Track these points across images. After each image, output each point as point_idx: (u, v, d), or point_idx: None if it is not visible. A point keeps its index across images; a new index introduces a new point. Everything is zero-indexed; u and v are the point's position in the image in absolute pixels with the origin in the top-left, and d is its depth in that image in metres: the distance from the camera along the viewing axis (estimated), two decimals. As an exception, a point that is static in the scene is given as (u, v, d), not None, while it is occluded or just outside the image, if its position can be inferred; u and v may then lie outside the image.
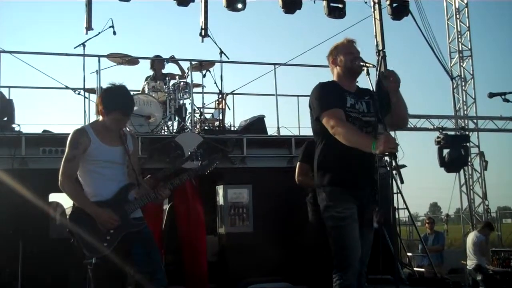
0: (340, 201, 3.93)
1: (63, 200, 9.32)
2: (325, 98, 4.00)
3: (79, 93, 9.43)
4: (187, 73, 9.65)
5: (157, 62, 9.91)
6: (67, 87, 9.61)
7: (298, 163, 6.62)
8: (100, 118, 4.17)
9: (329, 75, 4.29)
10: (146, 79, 9.89)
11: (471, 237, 10.30)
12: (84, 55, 9.26)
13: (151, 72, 10.05)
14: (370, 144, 3.63)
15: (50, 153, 8.03)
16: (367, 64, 3.98)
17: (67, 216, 4.01)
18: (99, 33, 10.12)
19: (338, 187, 3.96)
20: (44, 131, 8.55)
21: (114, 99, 4.08)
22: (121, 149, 4.10)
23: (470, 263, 9.97)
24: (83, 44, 9.48)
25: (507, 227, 18.05)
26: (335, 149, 3.91)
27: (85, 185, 4.04)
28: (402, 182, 3.42)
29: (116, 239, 3.92)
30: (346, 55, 4.12)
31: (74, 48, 9.48)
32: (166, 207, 8.69)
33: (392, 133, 4.03)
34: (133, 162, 4.17)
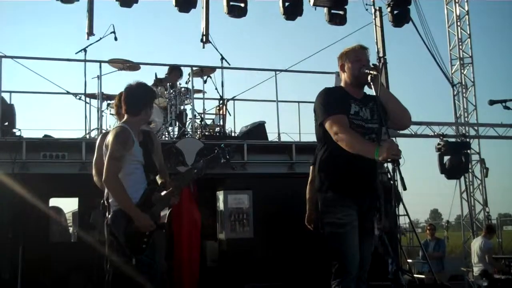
0: (340, 207, 3.91)
1: (63, 205, 9.36)
2: (329, 103, 3.98)
3: (80, 98, 9.46)
4: (188, 79, 9.65)
5: (173, 74, 9.82)
6: (68, 92, 9.63)
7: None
8: (125, 118, 4.17)
9: (330, 81, 4.30)
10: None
11: (477, 243, 10.26)
12: (85, 61, 9.28)
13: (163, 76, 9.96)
14: (373, 151, 3.62)
15: (50, 158, 8.05)
16: (371, 72, 3.97)
17: (95, 218, 4.03)
18: (101, 38, 10.14)
19: (338, 193, 3.94)
20: (45, 136, 8.56)
21: (145, 96, 4.15)
22: (141, 149, 4.12)
23: (476, 269, 9.93)
24: (85, 50, 9.50)
25: (508, 234, 18.01)
26: (338, 155, 3.89)
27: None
28: (404, 189, 3.42)
29: (150, 241, 3.98)
30: (354, 63, 4.08)
31: (76, 53, 9.52)
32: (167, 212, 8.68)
33: (394, 139, 3.99)
34: (157, 160, 4.22)
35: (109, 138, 4.06)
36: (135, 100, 4.15)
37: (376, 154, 3.60)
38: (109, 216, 3.98)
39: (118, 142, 3.93)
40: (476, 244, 10.37)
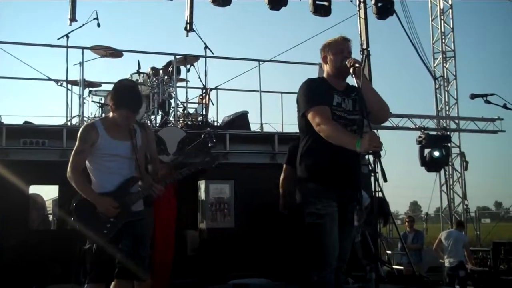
0: (321, 198, 3.91)
1: (43, 192, 9.29)
2: (312, 94, 3.99)
3: (61, 85, 9.39)
4: (171, 67, 9.60)
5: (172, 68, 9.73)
6: (49, 79, 9.53)
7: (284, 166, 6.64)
8: (111, 114, 4.30)
9: (313, 72, 4.30)
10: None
11: (454, 235, 10.35)
12: (67, 47, 9.20)
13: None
14: (355, 143, 3.64)
15: (31, 144, 7.96)
16: (354, 64, 3.96)
17: (73, 207, 4.11)
18: (83, 24, 10.07)
19: (320, 184, 3.94)
20: (25, 122, 8.46)
21: (123, 96, 4.22)
22: (129, 144, 4.25)
23: (452, 260, 10.03)
24: (67, 36, 9.41)
25: (485, 227, 18.22)
26: (320, 146, 3.90)
27: (92, 177, 4.20)
28: (385, 180, 3.45)
29: (116, 227, 4.11)
30: (337, 55, 4.08)
31: (58, 39, 9.44)
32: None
33: (375, 131, 4.01)
34: (140, 157, 4.32)
35: None
36: (117, 97, 4.24)
37: (357, 145, 3.62)
38: (74, 203, 4.17)
39: (79, 138, 4.16)
40: (450, 236, 10.47)
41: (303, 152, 4.08)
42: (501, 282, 7.59)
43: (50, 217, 10.03)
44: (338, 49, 4.11)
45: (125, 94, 4.27)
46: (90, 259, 4.13)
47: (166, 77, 9.47)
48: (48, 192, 9.61)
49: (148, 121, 9.30)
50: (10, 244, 7.37)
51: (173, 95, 9.41)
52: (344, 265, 4.09)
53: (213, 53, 10.50)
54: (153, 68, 9.73)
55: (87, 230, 4.10)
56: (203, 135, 4.65)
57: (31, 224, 8.22)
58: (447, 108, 14.18)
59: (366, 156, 8.67)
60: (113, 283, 4.12)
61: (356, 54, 11.56)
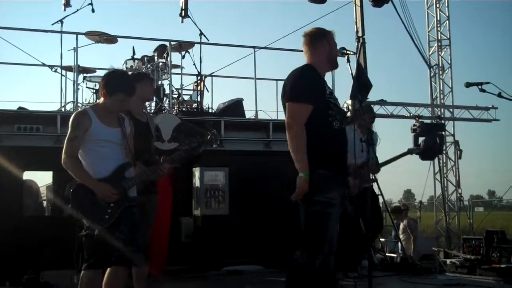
0: (334, 187, 3.86)
1: (37, 178, 9.28)
2: (306, 87, 3.94)
3: (55, 71, 9.35)
4: (166, 53, 9.57)
5: (160, 51, 9.69)
6: (44, 64, 9.50)
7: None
8: (101, 100, 4.34)
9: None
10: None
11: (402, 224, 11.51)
12: (61, 32, 9.16)
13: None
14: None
15: (25, 130, 7.95)
16: (348, 52, 3.98)
17: (70, 191, 4.12)
18: (78, 10, 10.03)
19: (329, 169, 3.87)
20: (20, 108, 8.43)
21: (118, 81, 4.29)
22: (119, 131, 4.29)
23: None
24: (61, 21, 9.38)
25: (479, 215, 18.27)
26: (323, 132, 3.90)
27: (85, 165, 4.19)
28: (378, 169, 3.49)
29: (116, 212, 4.11)
30: (334, 48, 4.11)
31: (52, 24, 9.42)
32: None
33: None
34: (130, 143, 4.37)
35: None
36: (111, 82, 4.30)
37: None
38: (71, 190, 4.18)
39: (71, 125, 4.17)
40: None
41: (308, 139, 3.94)
42: (493, 270, 7.65)
43: (44, 203, 10.02)
44: (334, 41, 4.14)
45: (119, 78, 4.34)
46: (88, 246, 4.12)
47: (160, 63, 9.43)
48: (42, 178, 9.61)
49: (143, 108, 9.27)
50: (4, 230, 7.37)
51: (168, 82, 9.39)
52: (334, 250, 4.06)
53: (208, 40, 10.48)
54: (144, 56, 9.67)
55: (86, 217, 4.09)
56: (209, 136, 4.64)
57: (25, 210, 8.21)
58: (441, 97, 14.15)
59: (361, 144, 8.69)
60: (110, 270, 4.14)
61: (352, 42, 11.54)
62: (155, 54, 9.69)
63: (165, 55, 9.60)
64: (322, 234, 3.85)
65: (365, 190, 6.13)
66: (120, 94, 4.22)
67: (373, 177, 6.34)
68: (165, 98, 9.52)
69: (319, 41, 4.13)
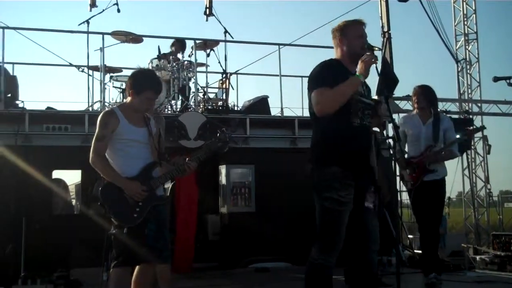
0: (345, 184, 3.83)
1: (66, 177, 9.39)
2: (323, 76, 3.89)
3: (82, 71, 9.45)
4: (191, 52, 9.60)
5: (176, 47, 9.74)
6: (71, 64, 9.60)
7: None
8: (128, 99, 4.38)
9: (333, 56, 4.18)
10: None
11: None
12: (88, 32, 9.24)
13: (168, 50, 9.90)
14: (356, 78, 3.77)
15: (53, 130, 8.06)
16: (374, 48, 3.91)
17: (98, 189, 4.18)
18: (103, 10, 10.12)
19: (341, 167, 3.83)
20: (48, 108, 8.54)
21: (145, 80, 4.33)
22: (145, 130, 4.33)
23: None
24: (87, 21, 9.46)
25: (508, 211, 18.07)
26: (336, 128, 3.84)
27: (113, 164, 4.23)
28: (405, 168, 3.42)
29: (145, 210, 4.15)
30: (357, 39, 3.97)
31: (78, 25, 9.49)
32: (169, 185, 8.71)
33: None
34: (156, 143, 4.39)
35: None
36: (139, 81, 4.33)
37: (358, 76, 3.77)
38: (100, 188, 4.20)
39: (99, 124, 4.20)
40: None
41: (320, 135, 3.98)
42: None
43: (73, 201, 10.14)
44: (357, 33, 4.01)
45: (146, 77, 4.39)
46: (117, 244, 4.15)
47: (186, 62, 9.47)
48: (71, 177, 9.71)
49: (169, 106, 9.33)
50: (34, 228, 7.47)
51: (193, 80, 9.42)
52: (376, 246, 4.03)
53: (232, 38, 10.48)
54: (169, 55, 9.69)
55: (115, 215, 4.12)
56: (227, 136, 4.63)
57: (54, 209, 8.32)
58: (469, 91, 13.99)
59: (387, 141, 8.63)
60: (138, 268, 4.19)
61: (378, 37, 11.45)
62: (173, 49, 9.71)
63: (190, 53, 9.64)
64: (333, 231, 3.83)
65: (424, 183, 6.08)
66: (148, 92, 4.26)
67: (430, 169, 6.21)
68: (190, 97, 9.56)
69: (338, 34, 4.07)
